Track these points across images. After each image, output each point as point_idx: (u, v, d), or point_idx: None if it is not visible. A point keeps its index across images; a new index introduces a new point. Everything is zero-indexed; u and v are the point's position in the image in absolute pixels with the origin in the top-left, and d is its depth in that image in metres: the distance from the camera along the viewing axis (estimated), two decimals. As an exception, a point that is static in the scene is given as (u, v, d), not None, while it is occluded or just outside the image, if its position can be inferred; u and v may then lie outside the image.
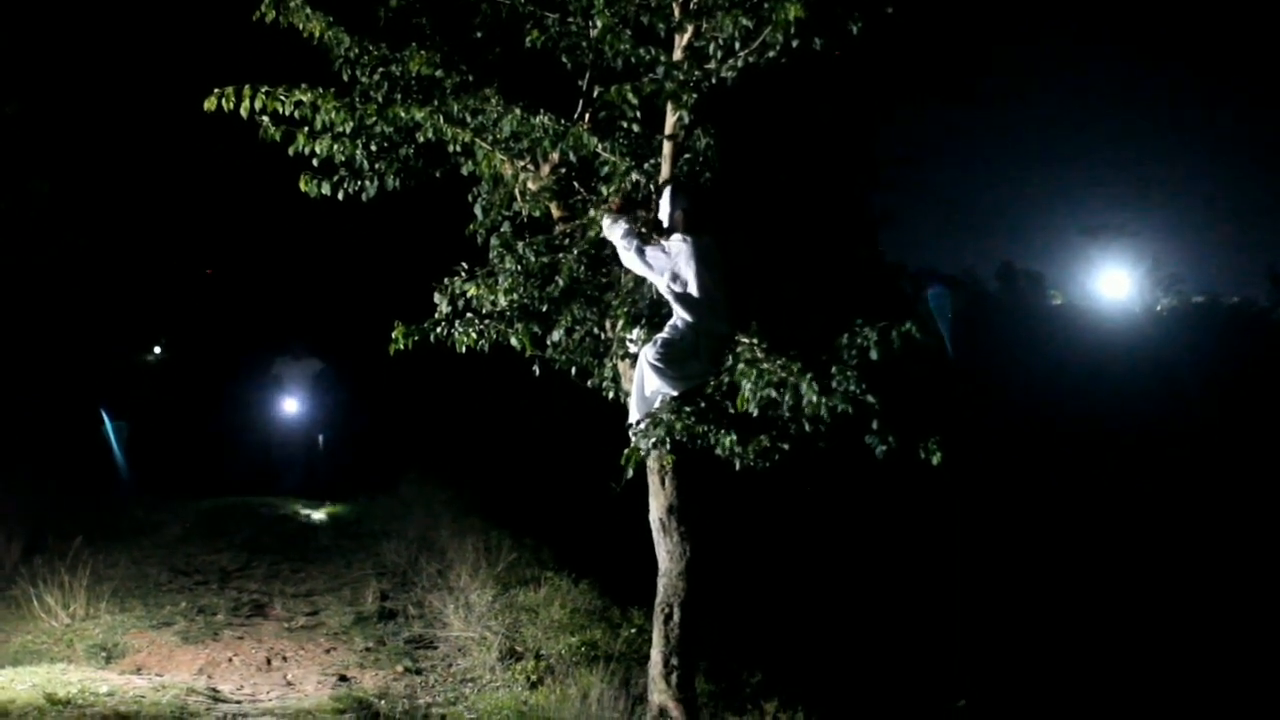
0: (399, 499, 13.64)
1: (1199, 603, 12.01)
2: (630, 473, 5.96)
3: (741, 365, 5.75)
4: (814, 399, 5.43)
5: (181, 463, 15.93)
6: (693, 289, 5.95)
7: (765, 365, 5.63)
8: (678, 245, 5.99)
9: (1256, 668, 10.36)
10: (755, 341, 5.87)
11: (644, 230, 6.16)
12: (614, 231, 6.10)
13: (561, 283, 6.15)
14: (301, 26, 6.46)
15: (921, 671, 9.80)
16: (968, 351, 26.88)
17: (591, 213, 6.29)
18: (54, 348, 18.03)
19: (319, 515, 13.42)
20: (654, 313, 6.11)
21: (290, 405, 15.54)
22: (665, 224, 6.10)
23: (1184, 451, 20.07)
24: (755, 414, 5.67)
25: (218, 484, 14.45)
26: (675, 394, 5.96)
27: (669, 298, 6.00)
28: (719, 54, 5.99)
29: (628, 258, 6.07)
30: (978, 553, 13.03)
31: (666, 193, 6.08)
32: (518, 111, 6.19)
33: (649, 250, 6.02)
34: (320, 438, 15.56)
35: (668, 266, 5.98)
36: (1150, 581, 12.72)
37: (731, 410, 5.80)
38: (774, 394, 5.56)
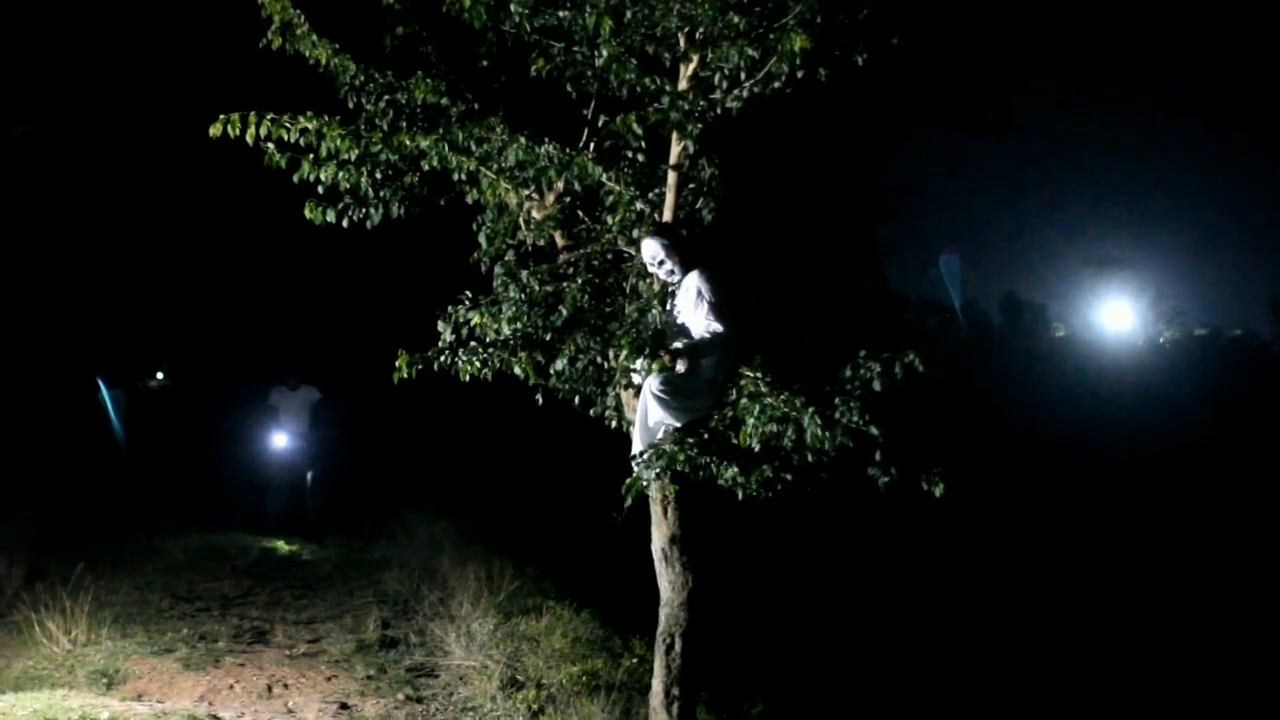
0: (401, 526, 13.60)
1: (1204, 631, 12.00)
2: (630, 502, 5.94)
3: (745, 401, 5.75)
4: (818, 433, 5.42)
5: (179, 493, 15.83)
6: (721, 314, 6.00)
7: (769, 400, 5.62)
8: (695, 280, 6.03)
9: (1259, 694, 10.32)
10: (759, 375, 5.87)
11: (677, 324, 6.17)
12: (697, 349, 6.04)
13: (565, 312, 6.14)
14: (308, 54, 6.49)
15: (928, 701, 9.76)
16: (971, 382, 26.89)
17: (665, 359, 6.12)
18: (57, 371, 18.06)
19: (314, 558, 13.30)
20: (657, 343, 6.12)
21: (283, 438, 15.25)
22: (659, 266, 6.11)
23: (1186, 484, 20.06)
24: (758, 449, 5.67)
25: (211, 519, 14.32)
26: (679, 425, 5.96)
27: (702, 330, 6.03)
28: (724, 84, 6.02)
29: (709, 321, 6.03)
30: (982, 581, 13.02)
31: (647, 241, 6.08)
32: (523, 140, 6.21)
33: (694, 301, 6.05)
34: (309, 474, 15.29)
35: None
36: (1153, 611, 12.70)
37: (734, 441, 5.79)
38: (776, 429, 5.56)
